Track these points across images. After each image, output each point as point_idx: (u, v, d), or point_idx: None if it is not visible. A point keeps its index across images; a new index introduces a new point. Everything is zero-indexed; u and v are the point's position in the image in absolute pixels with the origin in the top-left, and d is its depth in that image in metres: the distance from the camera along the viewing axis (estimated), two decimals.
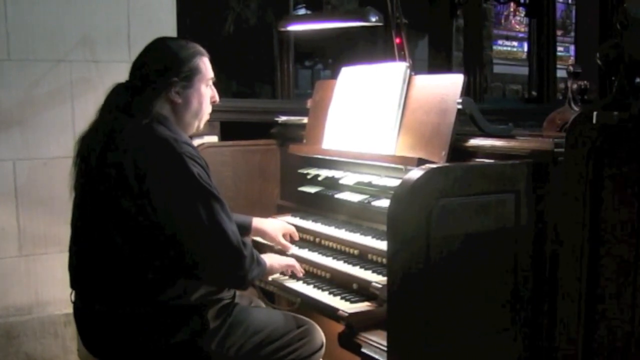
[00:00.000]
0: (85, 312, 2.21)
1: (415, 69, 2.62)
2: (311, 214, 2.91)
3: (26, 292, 3.39)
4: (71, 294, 2.26)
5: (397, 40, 2.93)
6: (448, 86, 2.38)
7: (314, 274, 2.56)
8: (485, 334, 2.03)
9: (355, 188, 2.68)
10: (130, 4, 3.48)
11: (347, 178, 2.71)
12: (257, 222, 2.72)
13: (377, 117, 2.61)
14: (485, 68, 8.85)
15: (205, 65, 2.27)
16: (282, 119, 3.27)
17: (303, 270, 2.54)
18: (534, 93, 6.86)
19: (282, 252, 2.68)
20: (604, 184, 1.93)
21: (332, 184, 2.81)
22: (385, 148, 2.54)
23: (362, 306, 2.24)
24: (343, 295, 2.33)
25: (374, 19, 2.92)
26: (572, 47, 11.94)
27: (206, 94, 2.28)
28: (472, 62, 6.30)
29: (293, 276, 2.54)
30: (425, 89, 2.49)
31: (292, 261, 2.52)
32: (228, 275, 2.12)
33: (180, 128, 2.22)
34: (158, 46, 2.27)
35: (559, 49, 10.19)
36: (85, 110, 3.28)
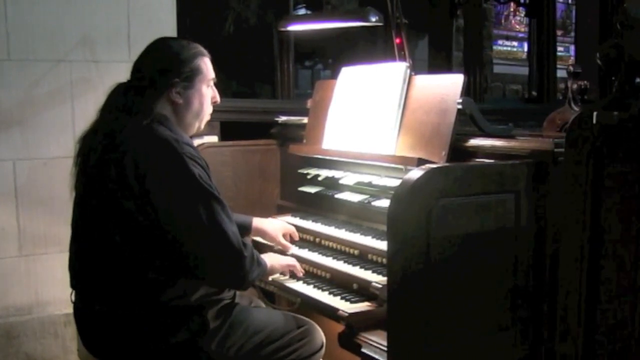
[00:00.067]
0: (86, 312, 2.21)
1: (415, 69, 2.62)
2: (311, 214, 2.91)
3: (26, 292, 3.39)
4: (71, 294, 2.26)
5: (397, 40, 2.93)
6: (448, 86, 2.38)
7: (314, 274, 2.56)
8: (485, 334, 2.03)
9: (355, 188, 2.68)
10: (130, 4, 3.48)
11: (347, 178, 2.71)
12: (257, 222, 2.72)
13: (377, 117, 2.61)
14: (485, 68, 8.86)
15: (206, 65, 2.27)
16: (282, 119, 3.27)
17: (303, 270, 2.54)
18: (534, 93, 6.86)
19: (282, 252, 2.67)
20: (604, 183, 1.93)
21: (332, 184, 2.81)
22: (385, 148, 2.54)
23: (362, 306, 2.24)
24: (343, 295, 2.33)
25: (374, 19, 2.92)
26: (572, 47, 11.95)
27: (207, 94, 2.28)
28: (472, 62, 6.31)
29: (293, 276, 2.54)
30: (425, 89, 2.49)
31: (292, 261, 2.52)
32: (228, 276, 2.12)
33: (181, 128, 2.22)
34: (159, 46, 2.27)
35: (559, 49, 10.19)
36: (85, 110, 3.28)
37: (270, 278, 2.53)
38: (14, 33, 3.24)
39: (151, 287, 2.09)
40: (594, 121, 1.87)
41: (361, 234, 2.56)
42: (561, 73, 5.85)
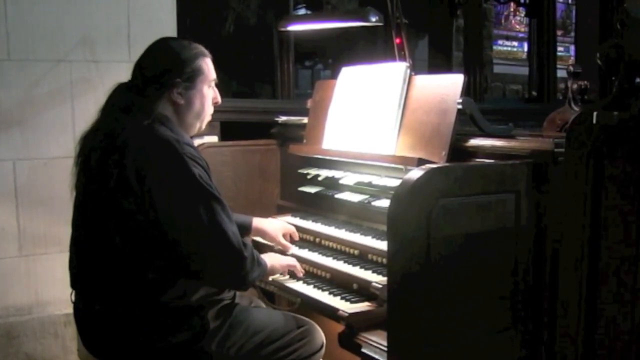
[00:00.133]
0: (86, 312, 2.21)
1: (415, 69, 2.62)
2: (311, 214, 2.91)
3: (26, 292, 3.39)
4: (71, 293, 2.26)
5: (397, 40, 2.93)
6: (448, 86, 2.38)
7: (314, 274, 2.56)
8: (485, 334, 2.03)
9: (356, 188, 2.68)
10: (130, 4, 3.48)
11: (347, 178, 2.71)
12: (257, 222, 2.72)
13: (377, 117, 2.61)
14: (485, 68, 8.86)
15: (207, 66, 2.27)
16: (282, 119, 3.27)
17: (303, 270, 2.54)
18: (534, 93, 6.86)
19: (282, 252, 2.67)
20: (604, 184, 1.93)
21: (332, 184, 2.81)
22: (386, 148, 2.54)
23: (362, 306, 2.24)
24: (343, 296, 2.33)
25: (374, 19, 2.92)
26: (572, 47, 11.96)
27: (208, 95, 2.28)
28: (472, 62, 6.31)
29: (293, 276, 2.54)
30: (425, 89, 2.49)
31: (292, 261, 2.52)
32: (228, 276, 2.12)
33: (182, 129, 2.22)
34: (161, 47, 2.26)
35: (559, 49, 10.19)
36: (85, 110, 3.29)
37: (270, 278, 2.53)
38: (14, 33, 3.24)
39: (151, 287, 2.09)
40: (594, 121, 1.87)
41: (361, 234, 2.56)
42: (561, 73, 5.85)
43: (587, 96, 2.59)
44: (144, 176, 2.02)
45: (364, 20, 2.96)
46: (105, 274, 2.12)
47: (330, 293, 2.38)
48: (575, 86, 2.57)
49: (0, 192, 3.29)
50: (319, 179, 2.88)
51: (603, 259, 1.97)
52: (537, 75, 6.63)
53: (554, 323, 2.02)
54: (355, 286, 2.35)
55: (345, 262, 2.49)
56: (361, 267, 2.40)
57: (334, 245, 2.64)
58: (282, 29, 3.91)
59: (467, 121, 2.31)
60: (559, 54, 8.11)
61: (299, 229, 2.80)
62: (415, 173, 1.86)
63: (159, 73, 2.18)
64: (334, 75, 3.00)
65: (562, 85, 6.70)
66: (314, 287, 2.46)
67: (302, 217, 2.91)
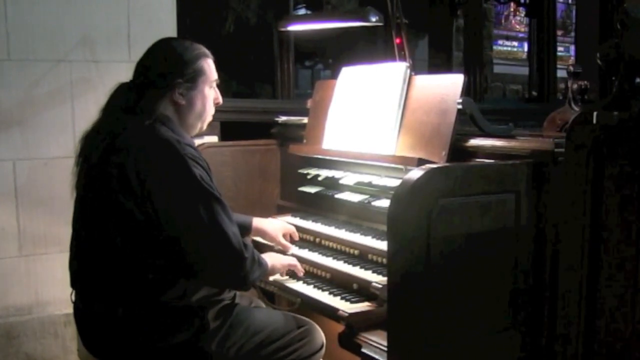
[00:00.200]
0: (86, 312, 2.21)
1: (415, 69, 2.61)
2: (311, 214, 2.91)
3: (26, 292, 3.39)
4: (71, 293, 2.26)
5: (397, 40, 2.93)
6: (448, 86, 2.38)
7: (314, 274, 2.56)
8: (485, 334, 2.03)
9: (356, 188, 2.68)
10: (130, 4, 3.48)
11: (347, 178, 2.70)
12: (257, 222, 2.72)
13: (377, 117, 2.61)
14: (486, 68, 8.86)
15: (209, 66, 2.27)
16: (282, 119, 3.27)
17: (303, 270, 2.54)
18: (534, 93, 6.86)
19: (282, 252, 2.67)
20: (604, 183, 1.93)
21: (332, 184, 2.81)
22: (386, 148, 2.54)
23: (362, 306, 2.24)
24: (343, 296, 2.33)
25: (374, 19, 2.92)
26: (572, 47, 11.95)
27: (210, 95, 2.28)
28: (472, 62, 6.30)
29: (293, 276, 2.54)
30: (426, 89, 2.49)
31: (293, 261, 2.52)
32: (229, 277, 2.12)
33: (184, 129, 2.22)
34: (162, 47, 2.26)
35: (559, 49, 10.18)
36: (85, 110, 3.29)
37: (270, 278, 2.53)
38: (14, 33, 3.24)
39: (151, 287, 2.09)
40: (594, 121, 1.87)
41: (361, 234, 2.56)
42: (561, 73, 5.85)
43: (587, 96, 2.59)
44: (145, 176, 2.02)
45: (364, 20, 2.96)
46: (105, 273, 2.12)
47: (330, 293, 2.38)
48: (575, 86, 2.57)
49: (0, 192, 3.29)
50: (319, 179, 2.88)
51: (603, 259, 1.97)
52: (537, 75, 6.63)
53: (554, 323, 2.02)
54: (355, 286, 2.35)
55: (345, 262, 2.49)
56: (361, 267, 2.40)
57: (334, 245, 2.64)
58: (282, 29, 3.91)
59: (467, 121, 2.31)
60: (559, 54, 8.11)
61: (299, 229, 2.80)
62: (415, 173, 1.86)
63: (161, 73, 2.18)
64: (334, 75, 3.00)
65: (562, 85, 6.70)
66: (314, 287, 2.46)
67: (302, 217, 2.91)
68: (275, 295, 2.76)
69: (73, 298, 2.26)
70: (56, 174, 3.29)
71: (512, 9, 12.76)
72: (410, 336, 1.89)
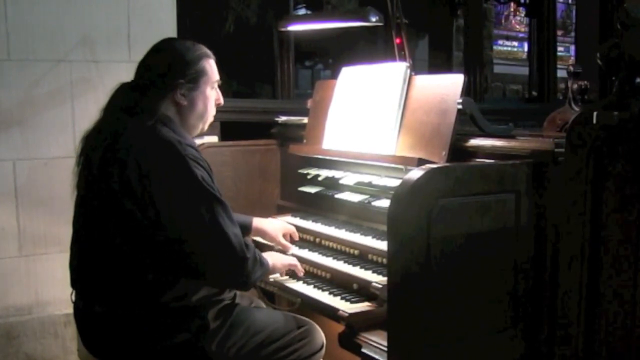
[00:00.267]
0: (86, 312, 2.21)
1: (416, 69, 2.62)
2: (311, 214, 2.91)
3: (26, 292, 3.39)
4: (71, 293, 2.26)
5: (397, 40, 2.93)
6: (448, 86, 2.38)
7: (314, 274, 2.56)
8: (485, 333, 2.03)
9: (356, 188, 2.68)
10: (130, 4, 3.48)
11: (347, 178, 2.70)
12: (257, 222, 2.72)
13: (378, 117, 2.61)
14: (486, 68, 8.85)
15: (211, 67, 2.27)
16: (282, 119, 3.27)
17: (303, 270, 2.54)
18: (534, 93, 6.86)
19: (282, 252, 2.67)
20: (604, 183, 1.93)
21: (332, 184, 2.81)
22: (386, 148, 2.54)
23: (362, 306, 2.24)
24: (343, 296, 2.33)
25: (374, 19, 2.92)
26: (572, 47, 11.95)
27: (211, 96, 2.28)
28: (472, 62, 6.30)
29: (293, 276, 2.54)
30: (426, 89, 2.49)
31: (294, 260, 2.52)
32: (231, 278, 2.12)
33: (185, 130, 2.22)
34: (164, 47, 2.26)
35: (559, 49, 10.19)
36: (85, 110, 3.29)
37: (271, 278, 2.53)
38: (14, 33, 3.24)
39: (151, 287, 2.09)
40: (594, 121, 1.87)
41: (361, 234, 2.56)
42: (561, 73, 5.85)
43: (587, 96, 2.59)
44: (146, 177, 2.02)
45: (364, 20, 2.95)
46: (105, 273, 2.12)
47: (330, 293, 2.38)
48: (575, 86, 2.57)
49: (0, 192, 3.29)
50: (319, 179, 2.88)
51: (603, 259, 1.97)
52: (537, 75, 6.63)
53: (554, 323, 2.02)
54: (355, 286, 2.35)
55: (345, 262, 2.49)
56: (361, 267, 2.40)
57: (334, 245, 2.64)
58: (282, 29, 3.91)
59: (467, 121, 2.31)
60: (559, 54, 8.11)
61: (299, 229, 2.80)
62: (415, 173, 1.86)
63: (163, 74, 2.18)
64: (334, 75, 3.00)
65: (562, 85, 6.70)
66: (314, 287, 2.46)
67: (302, 217, 2.91)
68: (275, 295, 2.76)
69: (73, 298, 2.25)
70: (56, 174, 3.29)
71: (512, 9, 12.76)
72: (410, 336, 1.89)
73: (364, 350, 2.10)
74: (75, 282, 2.23)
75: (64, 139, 3.35)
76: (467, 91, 4.79)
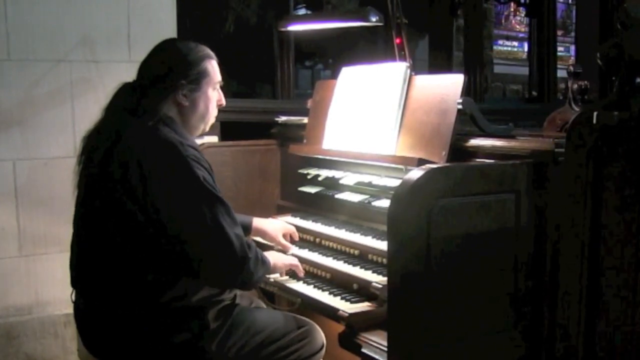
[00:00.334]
0: (86, 312, 2.21)
1: (416, 69, 2.62)
2: (311, 214, 2.91)
3: (26, 292, 3.39)
4: (72, 293, 2.26)
5: (397, 40, 2.93)
6: (448, 86, 2.38)
7: (314, 274, 2.56)
8: (485, 334, 2.03)
9: (356, 188, 2.68)
10: (130, 4, 3.48)
11: (347, 178, 2.70)
12: (257, 222, 2.72)
13: (378, 117, 2.61)
14: (486, 68, 8.85)
15: (213, 68, 2.27)
16: (282, 119, 3.27)
17: (304, 271, 2.54)
18: (534, 93, 6.86)
19: (283, 252, 2.67)
20: (605, 183, 1.93)
21: (332, 184, 2.81)
22: (386, 148, 2.54)
23: (363, 306, 2.24)
24: (343, 296, 2.33)
25: (374, 19, 2.92)
26: (572, 47, 11.95)
27: (213, 97, 2.28)
28: (472, 62, 6.30)
29: (293, 276, 2.54)
30: (426, 89, 2.49)
31: (294, 261, 2.52)
32: (232, 278, 2.12)
33: (186, 130, 2.21)
34: (167, 48, 2.26)
35: (559, 49, 10.18)
36: (85, 110, 3.29)
37: (271, 278, 2.53)
38: (14, 33, 3.24)
39: (152, 287, 2.09)
40: (594, 121, 1.87)
41: (361, 234, 2.56)
42: (561, 73, 5.85)
43: (587, 96, 2.59)
44: (147, 178, 2.02)
45: (364, 20, 2.96)
46: (105, 273, 2.11)
47: (330, 293, 2.38)
48: (575, 86, 2.57)
49: (0, 192, 3.29)
50: (319, 179, 2.88)
51: (603, 259, 1.97)
52: (537, 75, 6.63)
53: (554, 323, 2.02)
54: (355, 286, 2.35)
55: (345, 262, 2.49)
56: (361, 267, 2.40)
57: (334, 246, 2.64)
58: (282, 29, 3.90)
59: (467, 121, 2.31)
60: (559, 54, 8.11)
61: (299, 229, 2.80)
62: (415, 173, 1.86)
63: (165, 74, 2.18)
64: (334, 75, 3.00)
65: (562, 85, 6.70)
66: (314, 287, 2.46)
67: (302, 217, 2.91)
68: (275, 296, 2.76)
69: (73, 298, 2.25)
70: (56, 174, 3.29)
71: (512, 9, 12.77)
72: (410, 336, 1.89)
73: (364, 350, 2.10)
74: (75, 282, 2.23)
75: (64, 139, 3.35)
76: (467, 91, 4.78)
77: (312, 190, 2.92)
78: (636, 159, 1.93)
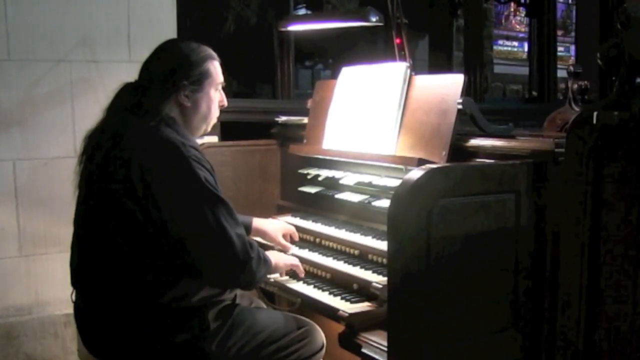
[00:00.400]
0: (86, 312, 2.21)
1: (416, 69, 2.62)
2: (311, 214, 2.91)
3: (26, 292, 3.39)
4: (72, 293, 2.26)
5: (397, 40, 2.94)
6: (448, 86, 2.38)
7: (314, 274, 2.56)
8: (485, 334, 2.03)
9: (356, 188, 2.68)
10: (130, 4, 3.48)
11: (348, 178, 2.70)
12: (257, 222, 2.72)
13: (378, 117, 2.61)
14: (486, 68, 8.86)
15: (215, 69, 2.27)
16: (282, 119, 3.27)
17: (304, 271, 2.54)
18: (534, 93, 6.86)
19: (283, 252, 2.67)
20: (604, 184, 1.93)
21: (333, 184, 2.81)
22: (386, 148, 2.54)
23: (363, 306, 2.24)
24: (343, 296, 2.33)
25: (374, 19, 2.92)
26: (572, 47, 11.96)
27: (215, 98, 2.28)
28: (472, 62, 6.30)
29: (293, 276, 2.54)
30: (426, 89, 2.49)
31: (295, 261, 2.52)
32: (234, 278, 2.12)
33: (188, 131, 2.21)
34: (169, 48, 2.26)
35: (559, 49, 10.19)
36: (85, 110, 3.29)
37: (271, 278, 2.53)
38: (14, 33, 3.24)
39: (152, 287, 2.09)
40: (594, 121, 1.87)
41: (361, 234, 2.56)
42: (561, 73, 5.85)
43: (587, 96, 2.60)
44: (149, 178, 2.02)
45: (364, 20, 2.96)
46: (106, 273, 2.11)
47: (330, 293, 2.38)
48: (575, 86, 2.58)
49: (0, 192, 3.29)
50: (319, 179, 2.88)
51: (603, 259, 1.97)
52: (537, 75, 6.64)
53: (554, 323, 2.02)
54: (355, 286, 2.34)
55: (345, 262, 2.49)
56: (361, 267, 2.40)
57: (334, 246, 2.64)
58: (282, 29, 3.91)
59: (467, 121, 2.31)
60: (559, 54, 8.11)
61: (299, 229, 2.80)
62: (416, 173, 1.86)
63: (167, 74, 2.18)
64: (334, 75, 3.00)
65: (562, 85, 6.70)
66: (314, 287, 2.46)
67: (302, 217, 2.91)
68: (275, 296, 2.76)
69: (73, 298, 2.25)
70: (56, 174, 3.30)
71: (512, 9, 12.78)
72: (410, 336, 1.89)
73: (364, 350, 2.10)
74: (75, 282, 2.23)
75: (64, 139, 3.35)
76: (467, 91, 4.77)
77: (312, 190, 2.92)
78: (636, 159, 1.93)
